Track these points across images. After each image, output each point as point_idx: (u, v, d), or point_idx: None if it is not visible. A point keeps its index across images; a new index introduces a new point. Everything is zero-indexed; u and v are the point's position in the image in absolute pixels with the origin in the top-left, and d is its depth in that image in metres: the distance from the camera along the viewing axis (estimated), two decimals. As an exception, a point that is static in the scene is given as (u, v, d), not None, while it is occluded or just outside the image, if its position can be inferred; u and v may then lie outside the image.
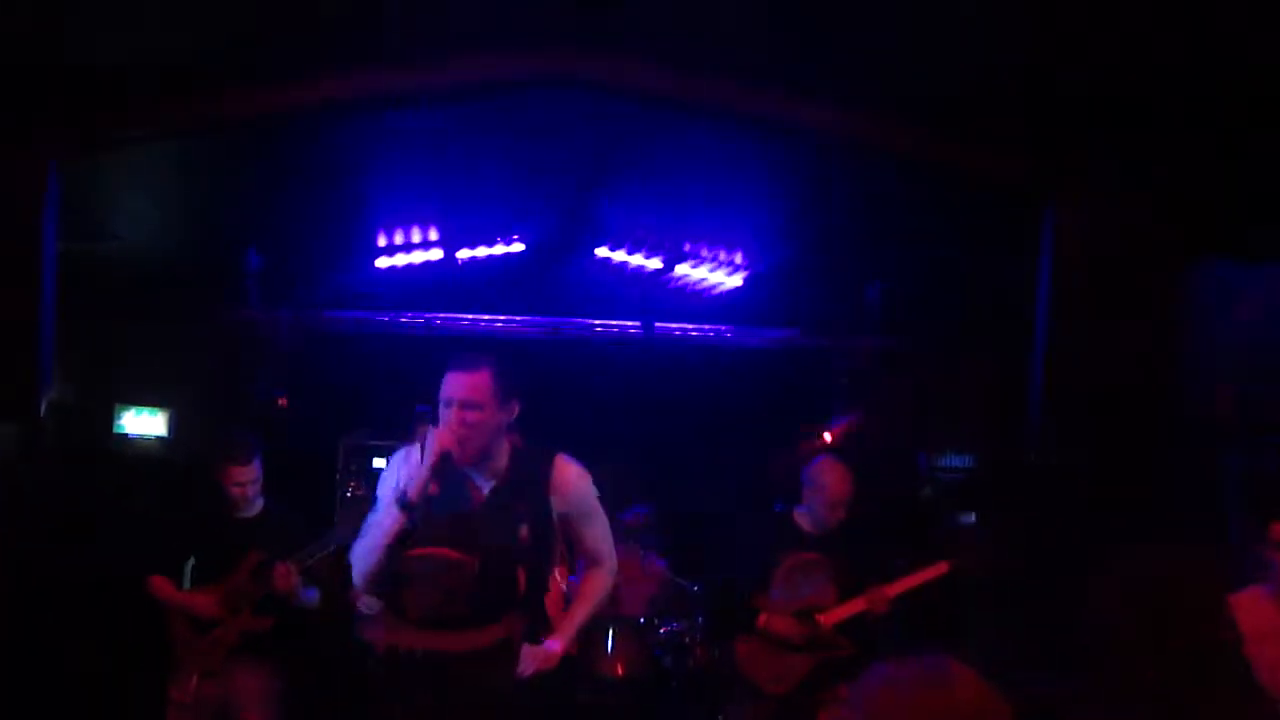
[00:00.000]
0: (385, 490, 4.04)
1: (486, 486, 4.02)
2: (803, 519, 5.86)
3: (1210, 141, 4.13)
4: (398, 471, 4.00)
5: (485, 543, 3.93)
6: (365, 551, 4.00)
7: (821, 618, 5.70)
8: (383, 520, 3.93)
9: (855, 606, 5.72)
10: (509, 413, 3.97)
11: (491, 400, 3.88)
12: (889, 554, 6.19)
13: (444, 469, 3.87)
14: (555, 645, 4.14)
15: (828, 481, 5.77)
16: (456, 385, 3.87)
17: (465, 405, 3.86)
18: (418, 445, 3.94)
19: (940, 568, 5.80)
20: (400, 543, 3.91)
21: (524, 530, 3.97)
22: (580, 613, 4.28)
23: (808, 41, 4.11)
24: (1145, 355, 4.09)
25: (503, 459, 4.04)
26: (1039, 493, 6.21)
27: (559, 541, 4.28)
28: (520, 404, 4.00)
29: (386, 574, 3.99)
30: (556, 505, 4.07)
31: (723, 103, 4.47)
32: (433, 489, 3.86)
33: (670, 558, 8.06)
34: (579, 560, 4.35)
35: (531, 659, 4.05)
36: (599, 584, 4.32)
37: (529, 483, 4.03)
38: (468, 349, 3.99)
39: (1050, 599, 5.53)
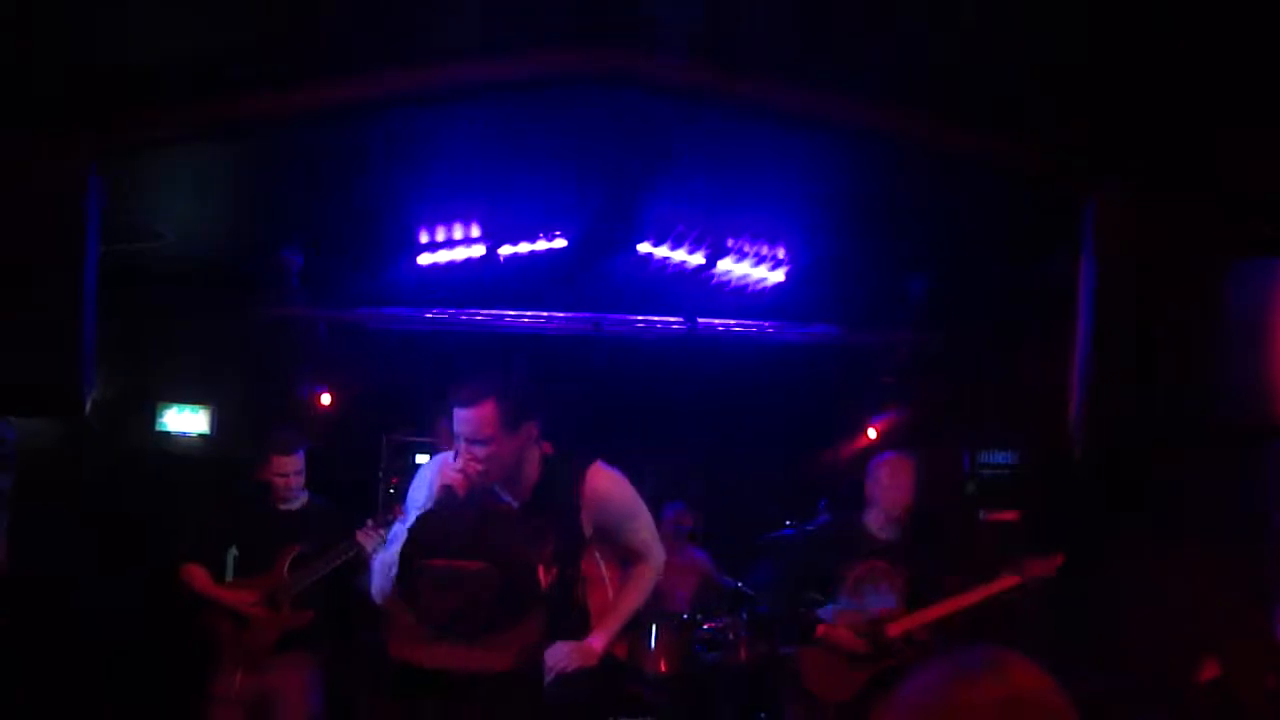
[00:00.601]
0: (413, 503, 4.04)
1: (515, 502, 3.99)
2: (871, 522, 5.76)
3: (1254, 137, 4.05)
4: (423, 488, 3.99)
5: (511, 554, 3.90)
6: (385, 565, 4.00)
7: (889, 628, 5.59)
8: (403, 535, 3.93)
9: (923, 618, 5.61)
10: (524, 436, 3.90)
11: (499, 432, 3.80)
12: (951, 557, 6.10)
13: (457, 497, 3.82)
14: (597, 642, 4.11)
15: (899, 479, 5.66)
16: (462, 422, 3.81)
17: (473, 441, 3.80)
18: (449, 456, 3.93)
19: (1011, 580, 5.63)
20: (415, 558, 3.89)
21: (552, 540, 3.94)
22: (623, 610, 4.22)
23: (836, 37, 4.06)
24: (1188, 353, 4.01)
25: (532, 471, 4.00)
26: (1083, 491, 6.13)
27: (597, 546, 4.24)
28: (537, 424, 3.93)
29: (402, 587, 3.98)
30: (591, 515, 4.03)
31: (754, 98, 4.40)
32: (457, 504, 3.82)
33: (712, 553, 8.03)
34: (625, 559, 4.31)
35: (573, 656, 4.02)
36: (644, 581, 4.27)
37: (560, 493, 4.00)
38: (470, 378, 3.87)
39: (1093, 597, 5.45)
